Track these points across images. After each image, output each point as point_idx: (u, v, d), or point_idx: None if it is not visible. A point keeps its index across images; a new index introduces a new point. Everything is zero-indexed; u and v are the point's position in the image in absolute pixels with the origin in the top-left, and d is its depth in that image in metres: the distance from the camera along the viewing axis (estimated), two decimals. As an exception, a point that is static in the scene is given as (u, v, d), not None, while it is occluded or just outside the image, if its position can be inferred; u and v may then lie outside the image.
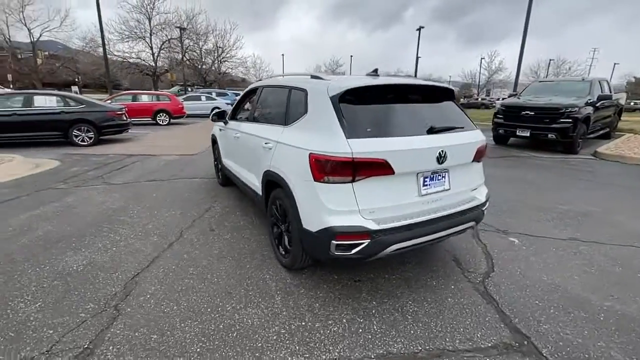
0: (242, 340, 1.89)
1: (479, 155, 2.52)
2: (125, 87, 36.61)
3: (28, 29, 26.38)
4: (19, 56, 30.13)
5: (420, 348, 1.86)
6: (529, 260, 2.86)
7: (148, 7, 27.56)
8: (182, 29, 28.33)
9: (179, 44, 28.44)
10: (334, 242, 1.99)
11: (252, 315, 2.11)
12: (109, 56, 22.55)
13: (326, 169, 1.99)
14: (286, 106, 2.67)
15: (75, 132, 8.36)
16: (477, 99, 46.54)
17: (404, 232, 2.11)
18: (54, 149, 7.91)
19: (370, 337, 1.94)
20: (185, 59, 30.11)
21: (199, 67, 32.69)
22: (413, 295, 2.36)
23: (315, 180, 2.04)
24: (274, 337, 1.92)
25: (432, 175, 2.25)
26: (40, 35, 27.45)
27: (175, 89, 29.39)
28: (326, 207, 2.01)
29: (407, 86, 2.40)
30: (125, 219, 3.67)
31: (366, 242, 2.00)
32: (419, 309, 2.20)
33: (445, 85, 2.62)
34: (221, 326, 2.01)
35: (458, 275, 2.63)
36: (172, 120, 14.69)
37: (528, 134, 8.27)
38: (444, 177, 2.32)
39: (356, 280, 2.53)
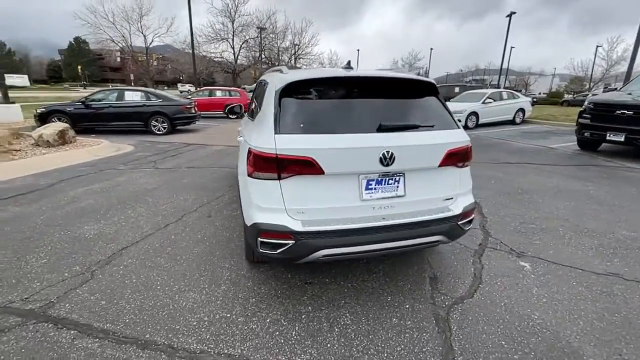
0: (165, 320, 2.01)
1: (453, 160, 2.15)
2: (219, 84, 41.23)
3: (144, 35, 31.76)
4: (139, 59, 36.49)
5: (325, 364, 1.72)
6: (529, 292, 2.34)
7: (232, 10, 30.51)
8: (261, 29, 30.50)
9: (257, 43, 30.72)
10: (259, 239, 1.96)
11: (189, 298, 2.22)
12: (202, 55, 25.68)
13: (255, 164, 1.96)
14: (257, 100, 2.69)
15: (153, 123, 9.78)
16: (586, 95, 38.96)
17: (338, 238, 1.94)
18: (135, 136, 9.41)
19: (282, 341, 1.86)
20: (263, 56, 32.38)
21: (276, 64, 34.71)
22: (356, 307, 2.17)
23: (248, 175, 2.03)
24: (194, 323, 1.99)
25: (379, 179, 2.01)
26: (152, 40, 32.75)
27: (255, 85, 31.86)
28: (255, 203, 1.99)
29: (363, 80, 2.17)
30: (148, 199, 4.19)
31: (291, 243, 1.91)
32: (353, 323, 2.02)
33: (421, 78, 2.30)
34: (158, 304, 2.17)
35: (425, 295, 2.31)
36: (242, 115, 15.96)
37: (622, 139, 6.63)
38: (398, 181, 2.05)
39: (307, 282, 2.44)
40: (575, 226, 3.48)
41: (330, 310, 2.14)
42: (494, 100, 12.66)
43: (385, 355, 1.78)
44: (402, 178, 2.06)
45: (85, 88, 51.61)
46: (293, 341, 1.87)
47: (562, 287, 2.40)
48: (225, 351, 1.79)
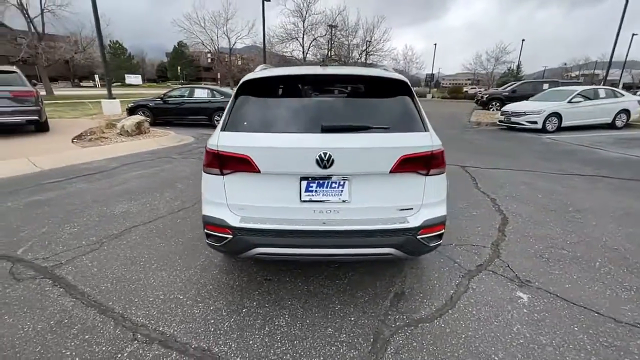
0: (131, 292, 2.28)
1: (411, 167, 1.93)
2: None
3: (228, 38, 35.07)
4: (224, 59, 40.53)
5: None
6: (507, 329, 1.98)
7: (303, 10, 31.72)
8: (332, 27, 30.91)
9: (326, 41, 31.43)
10: (205, 230, 2.07)
11: (159, 277, 2.47)
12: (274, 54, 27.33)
13: (205, 159, 2.06)
14: None
15: (217, 117, 10.80)
16: None
17: (275, 238, 1.94)
18: (201, 129, 10.52)
19: (212, 329, 1.95)
20: (331, 54, 32.81)
21: (346, 61, 34.81)
22: (298, 311, 2.12)
23: (202, 170, 2.15)
24: (150, 299, 2.21)
25: (321, 182, 1.93)
26: (235, 42, 35.95)
27: None
28: (204, 196, 2.10)
29: (323, 78, 2.07)
30: (179, 185, 4.71)
31: (229, 237, 1.97)
32: (287, 326, 1.99)
33: (389, 75, 2.10)
34: (133, 277, 2.46)
35: (378, 311, 2.13)
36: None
37: None
38: (342, 186, 1.93)
39: (267, 279, 2.47)
40: (623, 259, 2.77)
41: (272, 308, 2.14)
42: (586, 99, 10.60)
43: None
44: (346, 182, 1.94)
45: (182, 86, 59.36)
46: (221, 332, 1.93)
47: (555, 331, 1.96)
48: (161, 329, 1.95)
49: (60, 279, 2.43)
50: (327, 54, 32.64)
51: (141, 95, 27.60)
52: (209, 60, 55.12)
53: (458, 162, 6.25)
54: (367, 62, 34.92)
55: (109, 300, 2.20)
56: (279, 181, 1.95)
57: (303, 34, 32.28)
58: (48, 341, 1.83)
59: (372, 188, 1.96)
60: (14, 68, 7.95)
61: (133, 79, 55.94)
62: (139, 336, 1.89)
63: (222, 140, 1.94)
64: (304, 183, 1.93)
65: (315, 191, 1.94)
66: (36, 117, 7.74)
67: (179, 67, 68.22)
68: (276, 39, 31.98)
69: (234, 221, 1.96)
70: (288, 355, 1.77)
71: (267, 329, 1.97)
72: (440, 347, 1.84)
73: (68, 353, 1.76)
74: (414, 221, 1.97)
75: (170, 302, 2.19)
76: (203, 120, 10.87)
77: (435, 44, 43.98)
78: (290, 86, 2.11)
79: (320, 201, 1.94)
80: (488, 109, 18.79)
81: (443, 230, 2.09)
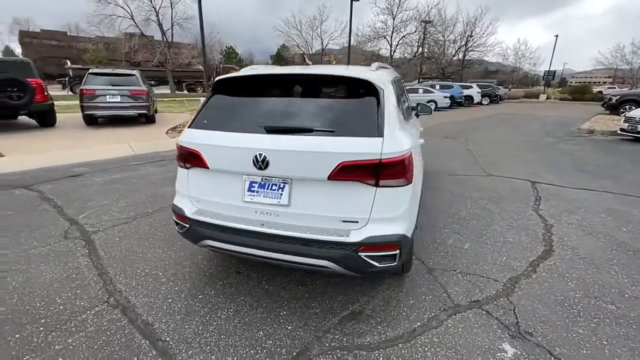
0: (128, 262, 2.66)
1: (355, 175, 1.74)
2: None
3: (321, 39, 36.55)
4: (319, 60, 42.75)
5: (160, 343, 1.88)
6: (460, 382, 1.61)
7: (394, 7, 30.63)
8: (426, 22, 28.95)
9: (417, 38, 29.69)
10: (173, 217, 2.28)
11: (154, 253, 2.81)
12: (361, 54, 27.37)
13: (177, 153, 2.25)
14: None
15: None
16: None
17: (220, 233, 2.01)
18: None
19: (164, 308, 2.14)
20: (425, 51, 30.82)
21: (440, 59, 32.29)
22: (243, 308, 2.15)
23: None
24: (137, 272, 2.55)
25: (262, 182, 1.90)
26: (327, 43, 37.23)
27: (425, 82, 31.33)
28: (176, 186, 2.30)
29: (283, 77, 2.01)
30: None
31: (187, 226, 2.13)
32: (224, 320, 2.04)
33: (354, 75, 1.91)
34: (137, 250, 2.86)
35: (319, 325, 2.00)
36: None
37: None
38: (282, 189, 1.87)
39: (238, 271, 2.57)
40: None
41: (223, 300, 2.22)
42: None
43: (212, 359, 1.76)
44: (287, 186, 1.86)
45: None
46: (170, 311, 2.11)
47: (525, 403, 1.51)
48: (129, 298, 2.24)
49: (91, 242, 3.00)
50: (417, 51, 30.88)
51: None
52: (306, 62, 58.71)
53: (529, 177, 5.22)
54: (465, 58, 31.74)
55: (109, 265, 2.62)
56: (226, 178, 2.00)
57: (392, 32, 31.35)
58: (52, 288, 2.31)
59: (314, 194, 1.84)
60: (134, 71, 9.97)
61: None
62: (111, 300, 2.21)
63: (184, 136, 2.11)
64: (247, 183, 1.94)
65: (257, 192, 1.92)
66: (145, 111, 9.56)
67: (279, 68, 74.57)
68: (363, 38, 31.94)
69: (190, 212, 2.10)
70: (208, 347, 1.83)
71: (207, 318, 2.06)
72: (362, 381, 1.62)
73: (59, 301, 2.18)
74: (356, 236, 1.78)
75: (149, 277, 2.48)
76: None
77: (557, 36, 37.00)
78: (255, 86, 2.14)
79: (261, 202, 1.92)
80: (618, 114, 14.95)
81: (397, 252, 1.82)
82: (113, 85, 9.12)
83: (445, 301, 2.23)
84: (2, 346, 1.80)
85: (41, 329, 1.93)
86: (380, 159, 1.72)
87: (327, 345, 1.85)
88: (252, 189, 1.94)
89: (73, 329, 1.94)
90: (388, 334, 1.94)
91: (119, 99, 9.09)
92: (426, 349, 1.83)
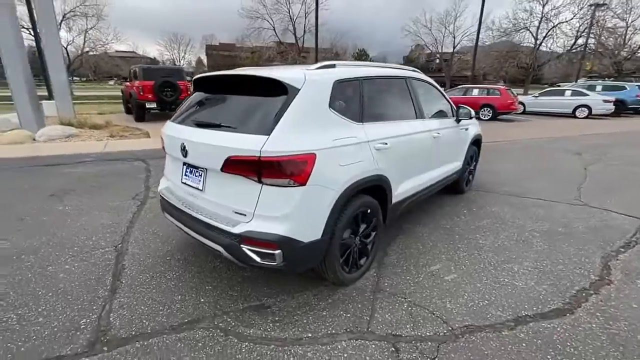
0: (150, 231, 3.44)
1: (239, 169, 1.82)
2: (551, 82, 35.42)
3: (453, 36, 33.38)
4: (450, 59, 39.25)
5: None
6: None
7: None
8: (597, 5, 22.16)
9: (579, 26, 23.01)
10: (159, 193, 2.84)
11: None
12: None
13: None
14: None
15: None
16: None
17: (169, 207, 2.43)
18: None
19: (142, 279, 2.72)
20: (587, 42, 23.71)
21: (616, 52, 24.34)
22: (188, 278, 2.50)
23: None
24: (151, 231, 3.27)
25: (192, 168, 2.19)
26: (461, 41, 33.73)
27: (581, 81, 24.79)
28: None
29: (218, 78, 2.22)
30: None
31: (160, 199, 2.65)
32: (167, 279, 2.45)
33: (265, 75, 1.94)
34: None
35: (224, 305, 2.15)
36: (498, 116, 13.92)
37: None
38: (200, 175, 2.11)
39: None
40: None
41: (180, 265, 2.64)
42: None
43: (134, 303, 2.18)
44: (204, 173, 2.09)
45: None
46: (142, 263, 2.67)
47: None
48: (128, 248, 2.93)
49: (143, 205, 3.96)
50: (574, 43, 24.17)
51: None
52: (437, 61, 54.70)
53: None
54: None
55: (139, 223, 3.44)
56: (175, 162, 2.39)
57: (540, 21, 25.57)
58: (94, 230, 3.24)
59: (217, 184, 2.01)
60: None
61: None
62: (119, 246, 2.95)
63: (163, 127, 2.60)
64: (184, 167, 2.27)
65: (188, 176, 2.23)
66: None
67: (408, 70, 72.61)
68: (499, 32, 27.30)
69: (160, 187, 2.60)
70: (141, 291, 2.27)
71: (157, 274, 2.51)
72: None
73: (93, 238, 3.07)
74: (240, 228, 1.86)
75: (156, 237, 3.15)
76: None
77: None
78: (206, 86, 2.42)
79: (188, 185, 2.22)
80: None
81: (277, 251, 1.81)
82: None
83: (359, 324, 2.01)
84: (51, 246, 2.72)
85: (64, 252, 2.80)
86: (260, 157, 1.75)
87: (214, 323, 2.01)
88: (187, 173, 2.26)
89: (84, 256, 2.73)
90: (272, 334, 1.93)
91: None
92: (293, 359, 1.75)
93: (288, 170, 1.77)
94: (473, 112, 3.77)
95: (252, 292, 2.31)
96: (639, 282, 2.46)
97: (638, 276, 2.53)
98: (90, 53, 31.27)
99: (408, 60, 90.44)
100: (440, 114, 3.62)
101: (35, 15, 8.64)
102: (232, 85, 2.21)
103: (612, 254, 2.86)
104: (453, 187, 4.31)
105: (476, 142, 4.43)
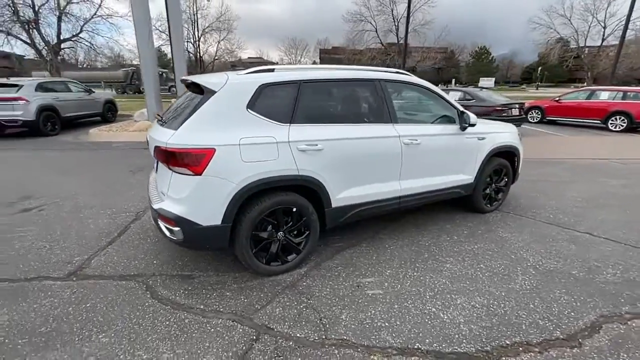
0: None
1: (160, 157, 2.21)
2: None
3: (603, 27, 26.32)
4: (595, 54, 31.33)
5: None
6: None
7: None
8: None
9: None
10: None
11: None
12: None
13: None
14: None
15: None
16: None
17: None
18: None
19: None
20: None
21: None
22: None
23: None
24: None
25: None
26: (614, 30, 26.33)
27: None
28: None
29: (186, 82, 2.61)
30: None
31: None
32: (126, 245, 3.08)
33: (195, 80, 2.26)
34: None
35: (166, 269, 2.61)
36: (633, 127, 10.67)
37: None
38: (157, 162, 2.59)
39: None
40: None
41: (149, 244, 3.25)
42: None
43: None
44: (156, 161, 2.58)
45: (537, 88, 53.39)
46: (124, 242, 3.40)
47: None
48: (133, 210, 3.75)
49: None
50: None
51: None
52: (578, 57, 44.31)
53: None
54: None
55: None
56: None
57: None
58: (96, 201, 4.22)
59: (160, 169, 2.46)
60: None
61: (486, 82, 57.75)
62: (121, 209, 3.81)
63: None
64: (156, 154, 2.82)
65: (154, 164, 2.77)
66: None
67: (539, 68, 60.98)
68: None
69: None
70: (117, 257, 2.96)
71: (130, 240, 3.18)
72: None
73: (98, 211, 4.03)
74: (157, 204, 2.28)
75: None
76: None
77: None
78: (184, 88, 2.87)
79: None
80: None
81: (176, 229, 2.16)
82: None
83: (247, 310, 2.16)
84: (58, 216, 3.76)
85: (105, 210, 3.77)
86: (166, 148, 2.11)
87: (146, 280, 2.48)
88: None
89: (113, 216, 3.65)
90: (176, 298, 2.28)
91: None
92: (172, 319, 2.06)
93: (186, 161, 2.09)
94: (475, 118, 3.20)
95: (190, 265, 2.71)
96: None
97: None
98: (222, 60, 37.86)
99: (541, 57, 76.40)
100: (434, 119, 3.27)
101: (170, 33, 11.10)
102: (190, 88, 2.63)
103: (608, 316, 2.12)
104: (468, 205, 3.78)
105: (505, 154, 3.74)
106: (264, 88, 2.32)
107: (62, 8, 16.83)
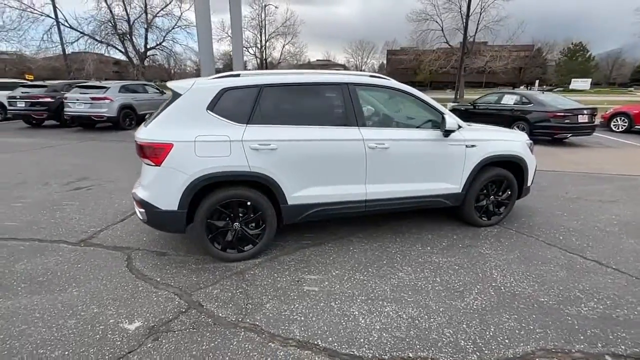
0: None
1: (136, 149, 2.61)
2: None
3: None
4: None
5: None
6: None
7: None
8: None
9: None
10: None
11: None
12: None
13: None
14: None
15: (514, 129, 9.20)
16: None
17: None
18: None
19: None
20: None
21: None
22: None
23: None
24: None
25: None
26: None
27: None
28: None
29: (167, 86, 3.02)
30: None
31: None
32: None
33: (168, 84, 2.63)
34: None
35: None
36: None
37: None
38: (147, 154, 3.05)
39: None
40: None
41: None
42: None
43: (119, 229, 3.44)
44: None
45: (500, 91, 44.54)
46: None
47: None
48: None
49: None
50: None
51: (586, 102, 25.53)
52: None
53: None
54: None
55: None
56: None
57: None
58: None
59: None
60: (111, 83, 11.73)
61: (580, 83, 49.95)
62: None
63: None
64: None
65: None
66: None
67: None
68: None
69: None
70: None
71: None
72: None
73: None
74: (134, 189, 2.70)
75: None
76: (499, 130, 9.70)
77: None
78: None
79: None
80: None
81: (141, 210, 2.57)
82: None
83: (190, 286, 2.45)
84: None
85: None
86: (137, 141, 2.51)
87: (128, 253, 2.94)
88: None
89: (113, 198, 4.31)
90: (143, 269, 2.67)
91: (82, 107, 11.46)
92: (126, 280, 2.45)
93: (149, 153, 2.46)
94: (455, 123, 2.95)
95: (169, 244, 3.11)
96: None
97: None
98: (286, 63, 40.00)
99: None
100: (416, 124, 3.16)
101: (232, 40, 12.28)
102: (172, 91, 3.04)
103: (551, 351, 1.85)
104: (460, 216, 3.54)
105: (506, 164, 3.40)
106: (225, 92, 2.59)
107: (149, 21, 19.97)
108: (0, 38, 19.34)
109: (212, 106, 2.56)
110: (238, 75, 2.72)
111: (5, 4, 18.11)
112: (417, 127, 3.16)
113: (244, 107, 2.64)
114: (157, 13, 20.69)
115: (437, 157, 3.12)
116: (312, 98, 2.91)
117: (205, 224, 2.64)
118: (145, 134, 2.50)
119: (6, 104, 11.68)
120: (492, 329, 2.04)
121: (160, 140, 2.45)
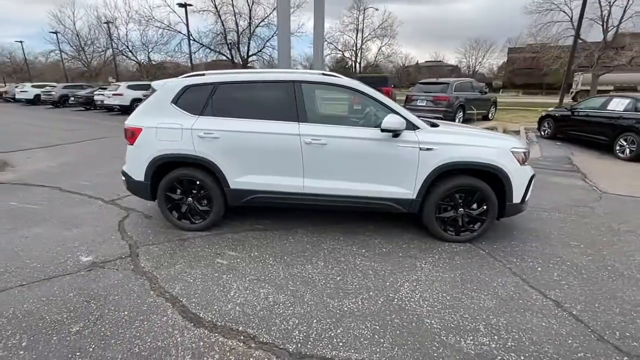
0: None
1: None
2: None
3: None
4: None
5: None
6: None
7: None
8: None
9: None
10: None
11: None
12: None
13: None
14: None
15: (620, 142, 7.17)
16: None
17: None
18: (597, 153, 7.68)
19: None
20: None
21: None
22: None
23: None
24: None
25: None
26: None
27: None
28: None
29: None
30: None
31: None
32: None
33: (151, 83, 3.29)
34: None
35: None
36: None
37: None
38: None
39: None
40: None
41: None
42: None
43: (140, 195, 4.44)
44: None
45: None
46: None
47: (52, 256, 2.81)
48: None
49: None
50: None
51: None
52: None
53: None
54: None
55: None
56: None
57: None
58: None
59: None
60: (449, 80, 11.16)
61: None
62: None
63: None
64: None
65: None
66: (439, 115, 10.79)
67: None
68: None
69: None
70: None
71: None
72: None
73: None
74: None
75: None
76: (601, 141, 7.67)
77: None
78: None
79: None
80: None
81: (123, 178, 3.34)
82: (425, 92, 11.23)
83: (161, 261, 3.08)
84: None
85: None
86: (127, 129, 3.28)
87: (131, 214, 3.81)
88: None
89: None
90: (134, 238, 3.46)
91: (424, 103, 11.10)
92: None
93: (127, 135, 3.18)
94: (396, 123, 2.67)
95: (159, 212, 3.86)
96: None
97: None
98: (379, 64, 39.89)
99: None
100: (364, 123, 3.07)
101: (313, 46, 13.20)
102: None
103: None
104: (424, 226, 3.23)
105: (481, 174, 2.93)
106: (187, 88, 3.13)
107: (252, 31, 23.33)
108: (152, 50, 26.15)
109: (176, 100, 3.13)
110: (203, 75, 3.23)
111: (157, 26, 24.27)
112: (362, 126, 3.06)
113: (199, 101, 3.12)
114: (259, 23, 24.01)
115: (382, 158, 2.96)
116: (259, 94, 3.18)
117: (164, 195, 3.24)
118: (127, 120, 3.26)
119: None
120: (340, 330, 1.98)
121: (134, 125, 3.16)
